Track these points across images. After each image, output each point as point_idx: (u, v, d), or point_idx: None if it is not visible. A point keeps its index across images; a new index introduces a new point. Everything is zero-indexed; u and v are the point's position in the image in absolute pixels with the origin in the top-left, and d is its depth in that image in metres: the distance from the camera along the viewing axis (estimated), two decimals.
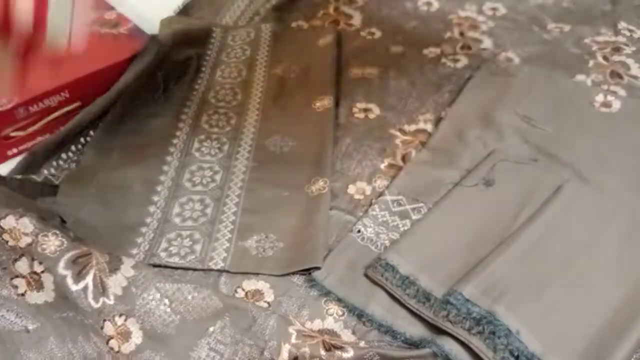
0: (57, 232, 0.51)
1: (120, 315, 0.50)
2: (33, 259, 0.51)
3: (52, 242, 0.50)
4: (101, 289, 0.50)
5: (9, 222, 0.50)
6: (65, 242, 0.51)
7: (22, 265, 0.51)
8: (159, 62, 0.75)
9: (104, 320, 0.50)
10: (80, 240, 0.53)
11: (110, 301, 0.50)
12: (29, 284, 0.51)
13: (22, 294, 0.51)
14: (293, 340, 0.49)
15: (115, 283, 0.51)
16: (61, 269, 0.51)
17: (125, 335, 0.50)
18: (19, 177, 0.62)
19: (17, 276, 0.51)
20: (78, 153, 0.67)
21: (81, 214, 0.59)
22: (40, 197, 0.61)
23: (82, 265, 0.51)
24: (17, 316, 0.50)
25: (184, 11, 0.89)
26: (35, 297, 0.51)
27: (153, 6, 0.85)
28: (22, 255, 0.51)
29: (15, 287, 0.51)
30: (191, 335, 0.50)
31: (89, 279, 0.50)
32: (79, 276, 0.50)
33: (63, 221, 0.58)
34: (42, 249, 0.50)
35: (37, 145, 0.67)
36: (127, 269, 0.52)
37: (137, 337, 0.50)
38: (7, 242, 0.51)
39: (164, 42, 0.78)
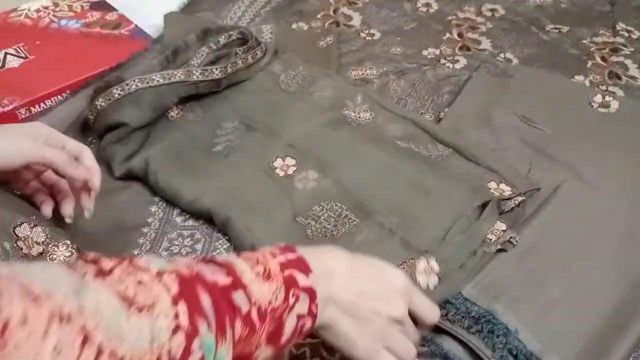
0: (68, 242, 0.52)
1: None
2: None
3: (61, 252, 0.51)
4: None
5: (24, 230, 0.51)
6: (74, 252, 0.51)
7: None
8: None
9: None
10: (88, 252, 0.53)
11: None
12: None
13: None
14: None
15: None
16: None
17: None
18: None
19: None
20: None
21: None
22: None
23: None
24: None
25: (185, 12, 0.90)
26: None
27: (154, 8, 0.86)
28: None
29: None
30: None
31: None
32: None
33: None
34: (51, 258, 0.51)
35: None
36: None
37: None
38: (21, 249, 0.51)
39: (168, 41, 0.78)
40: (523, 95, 0.74)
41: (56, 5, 0.86)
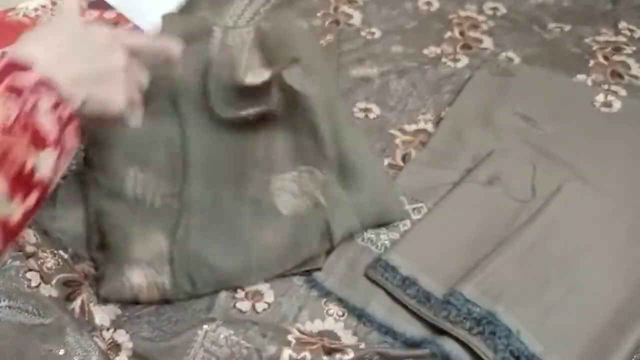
0: (55, 251, 0.54)
1: (108, 329, 0.51)
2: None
3: (49, 260, 0.53)
4: (87, 317, 0.51)
5: None
6: (61, 262, 0.53)
7: (32, 263, 0.53)
8: None
9: (94, 336, 0.50)
10: (75, 264, 0.55)
11: (98, 326, 0.51)
12: (42, 277, 0.53)
13: (37, 286, 0.52)
14: (293, 345, 0.49)
15: (104, 315, 0.52)
16: (54, 286, 0.53)
17: (115, 350, 0.50)
18: None
19: (30, 270, 0.53)
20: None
21: (79, 229, 0.58)
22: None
23: (72, 288, 0.53)
24: (33, 308, 0.50)
25: (184, 11, 0.89)
26: (49, 290, 0.52)
27: (152, 7, 0.85)
28: (30, 257, 0.54)
29: (29, 279, 0.52)
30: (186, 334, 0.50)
31: (75, 305, 0.52)
32: (67, 299, 0.52)
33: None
34: (41, 262, 0.53)
35: None
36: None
37: (127, 351, 0.50)
38: (17, 241, 0.52)
39: None
40: (525, 94, 0.73)
41: (54, 4, 0.86)
